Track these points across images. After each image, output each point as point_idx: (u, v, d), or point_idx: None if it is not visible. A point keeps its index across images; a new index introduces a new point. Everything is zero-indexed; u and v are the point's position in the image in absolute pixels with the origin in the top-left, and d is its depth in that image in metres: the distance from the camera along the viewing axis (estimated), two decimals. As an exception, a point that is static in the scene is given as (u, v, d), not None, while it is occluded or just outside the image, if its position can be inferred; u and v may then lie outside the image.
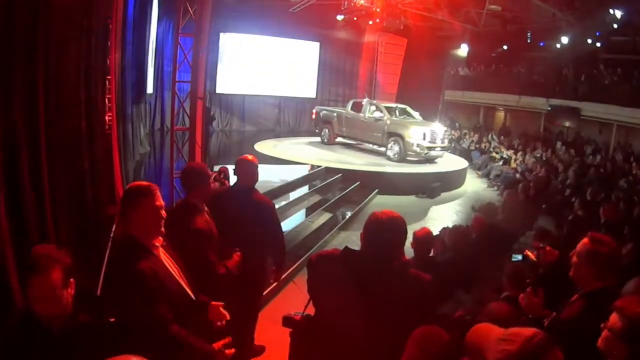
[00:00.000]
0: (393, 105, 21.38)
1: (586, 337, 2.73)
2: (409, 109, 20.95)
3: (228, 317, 3.74)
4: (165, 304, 3.25)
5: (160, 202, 3.40)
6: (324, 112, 22.55)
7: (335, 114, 21.82)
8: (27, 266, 2.82)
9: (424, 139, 18.45)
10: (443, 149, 19.54)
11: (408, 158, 18.63)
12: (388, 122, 19.31)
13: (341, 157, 19.19)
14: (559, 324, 3.40)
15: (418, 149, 18.39)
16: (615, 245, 3.58)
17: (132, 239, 3.31)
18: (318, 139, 22.72)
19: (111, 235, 7.24)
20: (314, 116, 23.07)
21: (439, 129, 19.33)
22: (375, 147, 20.17)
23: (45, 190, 4.92)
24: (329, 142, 21.98)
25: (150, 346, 2.92)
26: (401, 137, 18.65)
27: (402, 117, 20.24)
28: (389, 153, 19.11)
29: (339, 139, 21.95)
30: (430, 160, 19.19)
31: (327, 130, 22.11)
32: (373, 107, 20.33)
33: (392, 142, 19.00)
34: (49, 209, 4.99)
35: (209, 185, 4.96)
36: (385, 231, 3.18)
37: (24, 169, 4.51)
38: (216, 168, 10.38)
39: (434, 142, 18.71)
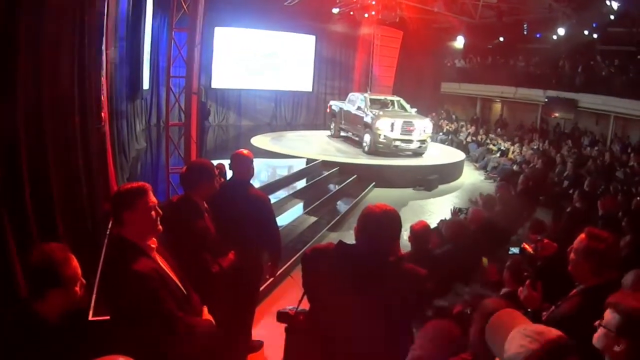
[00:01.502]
0: (382, 97, 21.41)
1: (583, 333, 2.71)
2: (402, 102, 20.89)
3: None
4: (172, 299, 3.28)
5: (153, 200, 3.38)
6: (333, 106, 22.70)
7: (339, 108, 21.92)
8: (47, 281, 2.83)
9: (392, 130, 18.18)
10: (415, 142, 18.76)
11: (379, 150, 18.41)
12: (367, 113, 19.21)
13: (339, 150, 19.22)
14: (556, 319, 3.38)
15: (385, 140, 18.20)
16: (613, 240, 3.56)
17: (128, 243, 3.28)
18: (318, 131, 23.04)
19: (107, 232, 7.21)
20: (328, 110, 23.24)
21: (416, 121, 18.85)
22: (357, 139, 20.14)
23: (40, 187, 4.90)
24: (333, 135, 22.14)
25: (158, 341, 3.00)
26: (370, 128, 18.59)
27: (390, 109, 20.15)
28: (364, 144, 19.09)
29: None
30: (418, 153, 18.90)
31: (333, 124, 22.30)
32: (361, 100, 20.33)
33: (366, 133, 18.96)
34: (44, 206, 4.96)
35: (213, 184, 4.88)
36: (379, 225, 3.16)
37: (18, 165, 4.48)
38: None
39: (405, 134, 18.35)
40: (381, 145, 18.35)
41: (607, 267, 3.50)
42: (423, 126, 18.86)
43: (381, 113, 19.10)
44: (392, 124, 18.24)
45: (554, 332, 2.06)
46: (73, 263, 2.92)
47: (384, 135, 18.20)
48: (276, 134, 22.80)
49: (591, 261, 3.47)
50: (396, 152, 18.44)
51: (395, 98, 21.30)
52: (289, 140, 21.21)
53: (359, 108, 19.98)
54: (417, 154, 18.89)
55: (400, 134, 18.29)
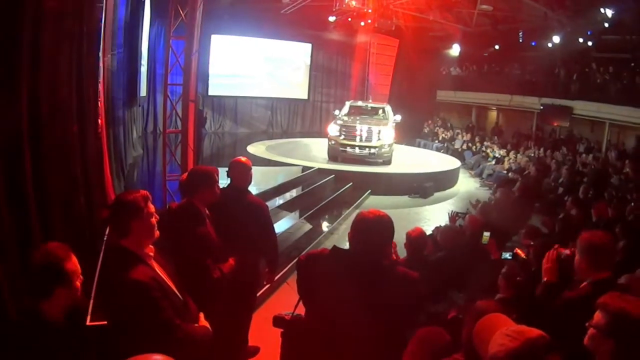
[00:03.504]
0: (364, 104, 21.30)
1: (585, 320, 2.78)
2: (386, 109, 20.56)
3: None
4: (170, 307, 3.30)
5: (151, 209, 3.41)
6: None
7: None
8: (53, 278, 2.91)
9: (340, 135, 18.07)
10: (367, 148, 18.09)
11: (331, 156, 18.46)
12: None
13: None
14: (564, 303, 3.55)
15: (334, 145, 18.20)
16: (609, 238, 3.76)
17: (126, 252, 3.30)
18: (316, 139, 22.81)
19: (104, 239, 7.23)
20: None
21: (365, 126, 18.19)
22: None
23: (38, 195, 4.92)
24: None
25: (155, 348, 3.05)
26: None
27: (370, 117, 19.77)
28: None
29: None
30: (385, 162, 18.38)
31: None
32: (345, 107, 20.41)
33: None
34: (42, 214, 4.98)
35: (215, 190, 4.92)
36: (373, 230, 3.21)
37: (17, 173, 4.51)
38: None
39: (352, 140, 18.04)
40: (331, 151, 18.40)
41: (605, 262, 3.63)
42: (377, 132, 18.15)
43: (339, 119, 19.03)
44: (340, 129, 18.17)
45: (534, 332, 2.11)
46: (73, 259, 3.01)
47: (334, 141, 18.20)
48: (274, 142, 22.84)
49: (588, 254, 3.64)
50: (345, 157, 18.20)
51: (380, 105, 21.10)
52: (288, 147, 21.25)
53: (338, 115, 20.00)
54: (385, 162, 18.39)
55: (349, 139, 18.04)
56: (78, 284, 3.03)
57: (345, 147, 18.10)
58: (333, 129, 18.33)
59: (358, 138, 18.03)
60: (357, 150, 18.09)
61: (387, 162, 18.46)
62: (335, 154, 18.38)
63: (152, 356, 1.91)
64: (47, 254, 2.93)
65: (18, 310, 2.99)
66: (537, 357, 2.02)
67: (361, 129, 18.08)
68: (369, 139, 18.01)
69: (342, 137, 18.09)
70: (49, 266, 2.89)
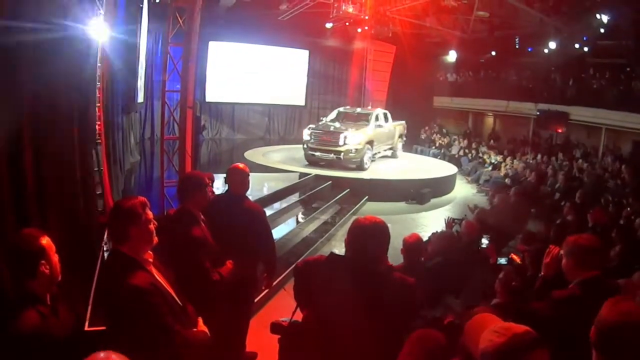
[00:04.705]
0: (351, 110, 21.41)
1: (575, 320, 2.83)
2: (376, 113, 20.36)
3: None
4: (169, 313, 3.32)
5: (150, 215, 3.43)
6: None
7: None
8: (35, 256, 3.05)
9: (310, 139, 18.50)
10: (330, 152, 18.11)
11: (307, 160, 18.84)
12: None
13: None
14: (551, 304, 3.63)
15: (306, 148, 18.61)
16: (594, 239, 3.87)
17: (126, 258, 3.32)
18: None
19: (103, 244, 7.24)
20: None
21: (334, 131, 18.50)
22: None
23: (39, 200, 4.94)
24: None
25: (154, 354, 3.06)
26: None
27: (359, 122, 19.72)
28: None
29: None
30: (357, 166, 18.30)
31: None
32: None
33: None
34: (42, 219, 5.00)
35: (206, 193, 4.99)
36: (369, 236, 3.25)
37: (18, 179, 4.53)
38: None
39: (319, 145, 18.36)
40: (306, 155, 18.74)
41: (592, 262, 3.70)
42: (343, 137, 18.04)
43: (319, 123, 19.47)
44: (310, 134, 18.55)
45: (521, 328, 2.15)
46: (46, 237, 3.16)
47: (306, 145, 18.53)
48: (271, 148, 22.87)
49: (575, 255, 3.73)
50: (316, 161, 18.54)
51: (369, 111, 20.99)
52: (285, 154, 21.27)
53: (324, 121, 20.24)
54: (358, 167, 18.28)
55: (316, 143, 18.40)
56: (55, 259, 3.15)
57: (315, 151, 18.45)
58: (305, 133, 18.74)
59: (324, 142, 18.28)
60: (323, 154, 18.32)
61: (359, 167, 18.37)
62: (308, 158, 18.77)
63: (109, 354, 1.97)
64: (23, 236, 3.12)
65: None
66: (523, 352, 2.06)
67: (327, 133, 18.44)
68: (334, 143, 18.09)
69: (312, 141, 18.47)
70: (29, 245, 3.04)
